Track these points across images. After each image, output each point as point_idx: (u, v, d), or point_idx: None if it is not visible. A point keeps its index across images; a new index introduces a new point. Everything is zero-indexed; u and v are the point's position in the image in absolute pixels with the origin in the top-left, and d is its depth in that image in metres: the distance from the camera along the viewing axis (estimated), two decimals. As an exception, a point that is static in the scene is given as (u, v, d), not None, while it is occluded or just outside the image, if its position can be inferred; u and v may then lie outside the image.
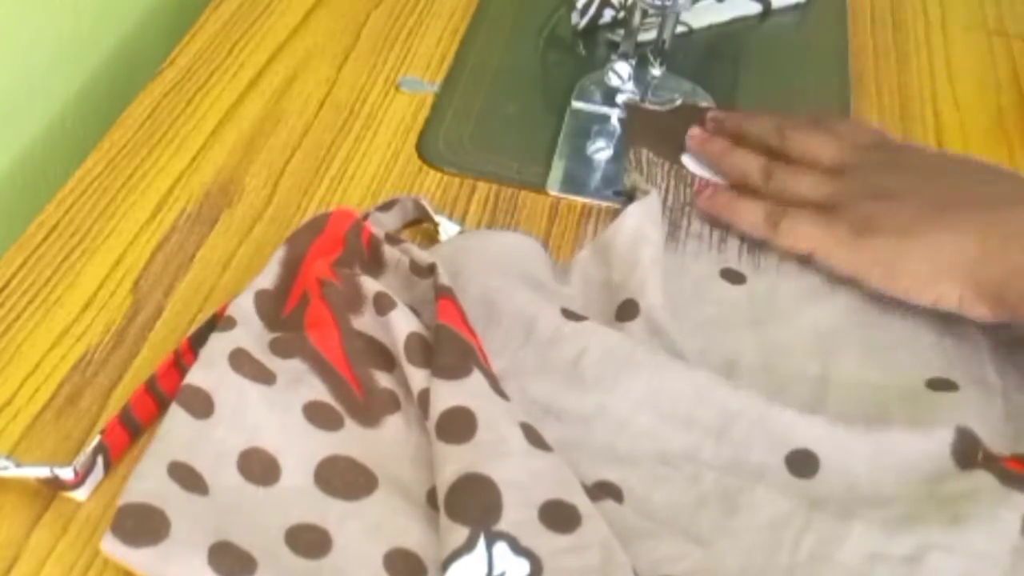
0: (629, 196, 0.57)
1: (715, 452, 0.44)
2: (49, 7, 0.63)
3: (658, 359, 0.46)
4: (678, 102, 0.63)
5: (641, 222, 0.53)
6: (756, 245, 0.55)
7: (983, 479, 0.43)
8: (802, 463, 0.44)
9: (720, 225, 0.56)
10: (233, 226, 0.55)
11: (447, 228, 0.54)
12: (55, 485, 0.42)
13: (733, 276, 0.53)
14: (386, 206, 0.54)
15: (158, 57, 0.66)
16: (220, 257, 0.53)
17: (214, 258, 0.53)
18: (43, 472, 0.41)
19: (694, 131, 0.60)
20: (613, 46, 0.68)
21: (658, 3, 0.59)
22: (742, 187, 0.56)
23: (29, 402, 0.46)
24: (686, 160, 0.60)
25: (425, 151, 0.61)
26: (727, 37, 0.71)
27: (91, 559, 0.41)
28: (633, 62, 0.63)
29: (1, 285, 0.51)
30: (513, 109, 0.64)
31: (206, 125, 0.61)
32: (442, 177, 0.59)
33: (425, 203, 0.55)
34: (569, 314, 0.47)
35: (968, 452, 0.44)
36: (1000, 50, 0.73)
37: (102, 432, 0.43)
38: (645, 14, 0.61)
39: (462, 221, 0.56)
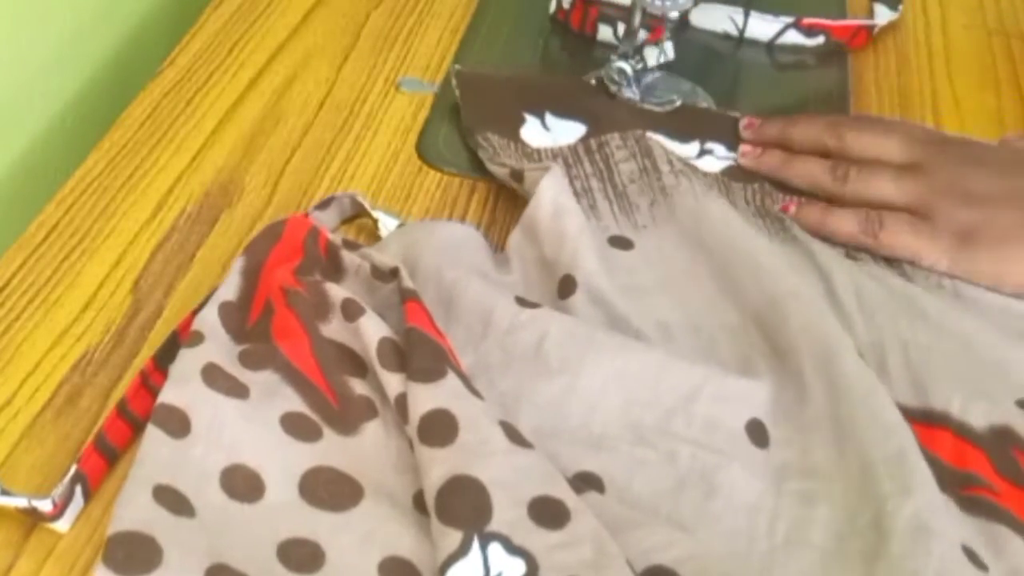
0: (516, 179, 0.56)
1: (687, 423, 0.45)
2: (49, 7, 0.63)
3: (617, 339, 0.47)
4: (678, 103, 0.63)
5: (557, 194, 0.53)
6: (625, 203, 0.56)
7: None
8: (758, 433, 0.45)
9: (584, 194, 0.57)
10: (233, 226, 0.55)
11: (386, 223, 0.54)
12: (34, 516, 0.41)
13: (621, 242, 0.54)
14: (323, 204, 0.54)
15: (158, 57, 0.66)
16: (220, 257, 0.53)
17: (214, 258, 0.53)
18: (21, 503, 0.40)
19: (745, 148, 0.60)
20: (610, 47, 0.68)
21: (659, 2, 0.59)
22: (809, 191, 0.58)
23: (29, 402, 0.46)
24: (524, 132, 0.60)
25: (425, 151, 0.61)
26: (726, 37, 0.71)
27: (91, 560, 0.41)
28: (633, 62, 0.63)
29: (1, 285, 0.51)
30: (513, 109, 0.63)
31: (206, 125, 0.61)
32: (442, 177, 0.59)
33: (361, 199, 0.55)
34: (523, 302, 0.48)
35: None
36: (1000, 50, 0.73)
37: (78, 460, 0.42)
38: (645, 14, 0.61)
39: (461, 222, 0.56)
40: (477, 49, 0.69)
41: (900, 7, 0.73)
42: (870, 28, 0.71)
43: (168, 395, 0.43)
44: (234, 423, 0.43)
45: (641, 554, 0.40)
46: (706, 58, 0.70)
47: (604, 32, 0.70)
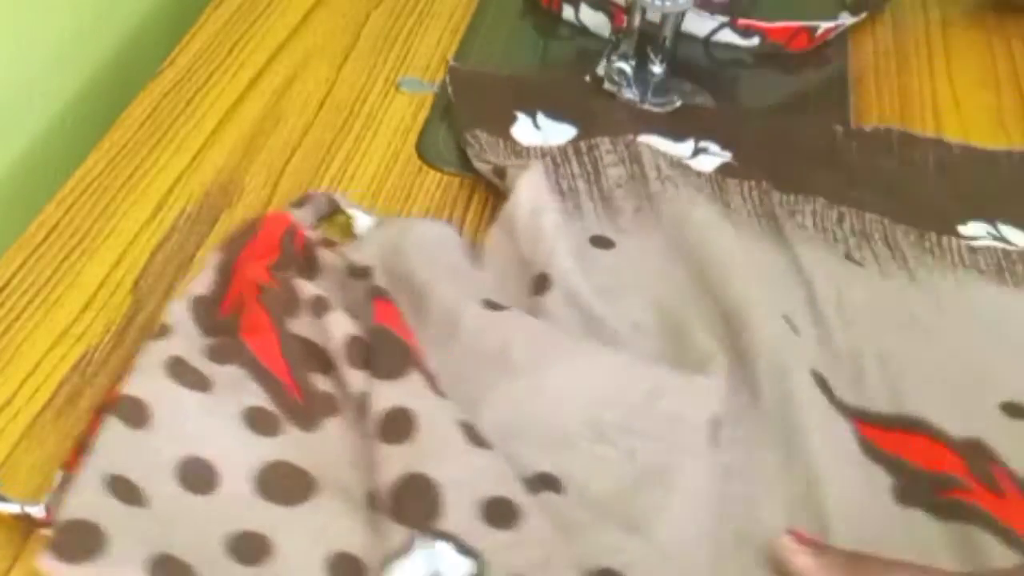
0: (499, 175, 0.56)
1: (648, 419, 0.45)
2: (49, 7, 0.63)
3: (583, 344, 0.47)
4: (678, 103, 0.63)
5: (536, 192, 0.53)
6: (610, 207, 0.56)
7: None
8: (714, 432, 0.46)
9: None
10: (233, 226, 0.55)
11: (361, 220, 0.54)
12: (28, 522, 0.41)
13: (602, 242, 0.55)
14: (300, 202, 0.55)
15: (158, 57, 0.66)
16: (220, 257, 0.53)
17: (214, 258, 0.53)
18: (14, 509, 0.40)
19: None
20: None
21: (659, 3, 0.59)
22: None
23: (29, 402, 0.46)
24: (515, 131, 0.60)
25: (425, 151, 0.61)
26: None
27: None
28: (633, 62, 0.63)
29: (1, 285, 0.51)
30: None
31: (206, 125, 0.61)
32: (442, 177, 0.59)
33: (338, 198, 0.55)
34: (492, 304, 0.48)
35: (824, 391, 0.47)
36: (1000, 50, 0.73)
37: (64, 466, 0.42)
38: (645, 13, 0.61)
39: (461, 221, 0.57)
40: (477, 49, 0.69)
41: (863, 14, 0.72)
42: (811, 30, 0.69)
43: (130, 386, 0.43)
44: (195, 416, 0.43)
45: (592, 557, 0.40)
46: (706, 58, 0.70)
47: (567, 12, 0.70)
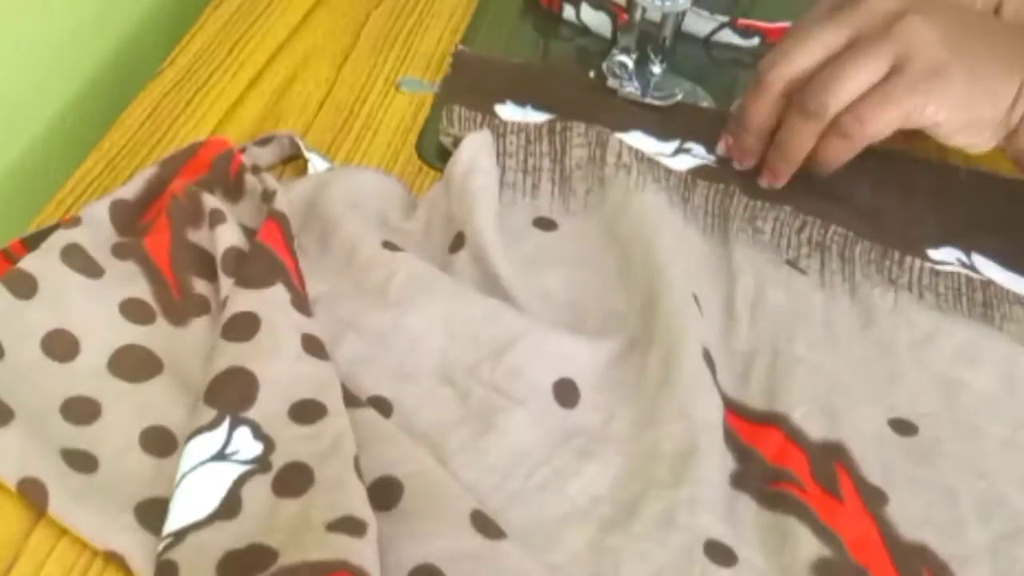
0: (456, 147, 0.57)
1: (492, 369, 0.47)
2: (49, 7, 0.63)
3: (457, 286, 0.50)
4: (679, 96, 0.63)
5: (475, 153, 0.55)
6: (566, 187, 0.57)
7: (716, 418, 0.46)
8: (567, 392, 0.47)
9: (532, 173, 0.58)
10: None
11: (317, 164, 0.57)
12: None
13: (545, 224, 0.56)
14: (263, 141, 0.57)
15: (158, 57, 0.66)
16: (220, 257, 0.53)
17: (214, 258, 0.53)
18: None
19: (763, 180, 0.58)
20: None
21: (659, 2, 0.59)
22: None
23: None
24: (499, 108, 0.61)
25: (425, 151, 0.61)
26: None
27: (91, 560, 0.41)
28: (634, 56, 0.63)
29: (1, 285, 0.51)
30: (513, 109, 0.63)
31: (206, 125, 0.61)
32: (442, 177, 0.59)
33: (298, 140, 0.57)
34: (389, 245, 0.51)
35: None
36: (1000, 50, 0.72)
37: None
38: (645, 11, 0.61)
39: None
40: (477, 49, 0.69)
41: None
42: None
43: (26, 262, 0.47)
44: (75, 296, 0.47)
45: (381, 465, 0.42)
46: (705, 56, 0.70)
47: (568, 12, 0.70)
